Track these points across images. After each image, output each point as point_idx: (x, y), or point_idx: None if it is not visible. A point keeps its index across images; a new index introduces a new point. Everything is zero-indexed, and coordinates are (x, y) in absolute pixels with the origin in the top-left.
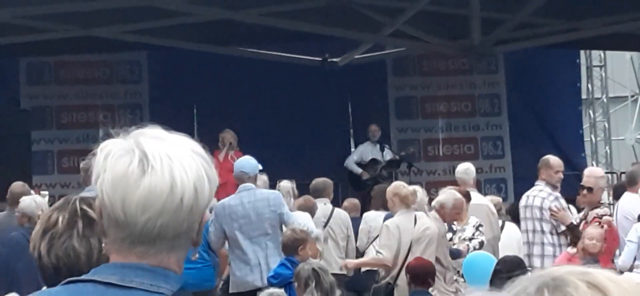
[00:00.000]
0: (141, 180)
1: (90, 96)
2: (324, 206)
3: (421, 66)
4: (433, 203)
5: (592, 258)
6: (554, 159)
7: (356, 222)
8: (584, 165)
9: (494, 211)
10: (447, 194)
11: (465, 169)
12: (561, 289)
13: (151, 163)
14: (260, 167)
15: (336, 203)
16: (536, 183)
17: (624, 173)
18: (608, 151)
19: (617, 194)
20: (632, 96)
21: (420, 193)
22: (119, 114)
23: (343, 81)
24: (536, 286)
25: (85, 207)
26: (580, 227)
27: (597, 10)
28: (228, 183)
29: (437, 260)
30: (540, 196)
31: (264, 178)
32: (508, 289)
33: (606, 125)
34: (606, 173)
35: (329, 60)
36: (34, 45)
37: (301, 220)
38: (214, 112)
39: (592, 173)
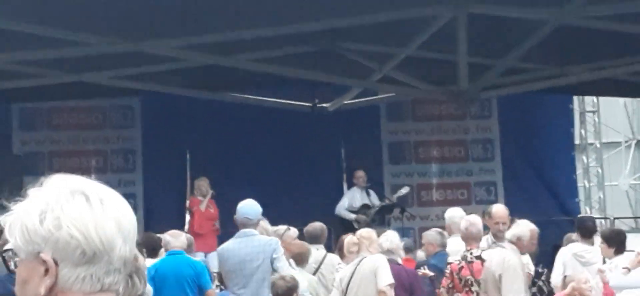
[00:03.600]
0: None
1: (82, 141)
2: (316, 251)
3: (414, 111)
4: (509, 236)
5: None
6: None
7: None
8: (577, 211)
9: None
10: (523, 227)
11: (452, 215)
12: None
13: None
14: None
15: (329, 248)
16: None
17: (617, 218)
18: (601, 196)
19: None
20: (626, 142)
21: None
22: (111, 160)
23: (336, 126)
24: None
25: None
26: None
27: (588, 56)
28: (208, 234)
29: None
30: None
31: (264, 224)
32: None
33: (599, 170)
34: (599, 218)
35: (318, 105)
36: (26, 91)
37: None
38: (207, 158)
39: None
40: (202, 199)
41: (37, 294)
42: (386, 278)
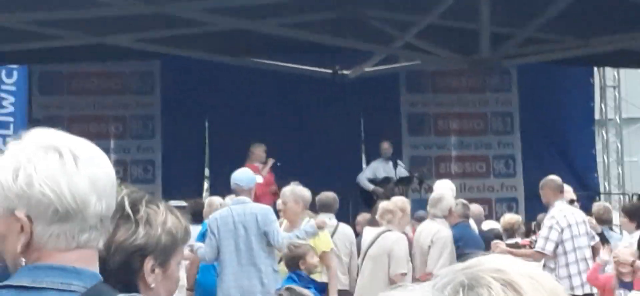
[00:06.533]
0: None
1: (102, 106)
2: (328, 220)
3: (434, 83)
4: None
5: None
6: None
7: None
8: (596, 186)
9: None
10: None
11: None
12: (474, 289)
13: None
14: (259, 179)
15: (347, 219)
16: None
17: (636, 194)
18: (620, 172)
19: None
20: None
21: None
22: (130, 126)
23: (356, 94)
24: (453, 285)
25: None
26: None
27: (611, 27)
28: (265, 195)
29: None
30: None
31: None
32: (433, 283)
33: (619, 146)
34: (618, 194)
35: (339, 72)
36: (45, 52)
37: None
38: (225, 124)
39: None
40: (260, 166)
41: (14, 249)
42: (400, 266)
